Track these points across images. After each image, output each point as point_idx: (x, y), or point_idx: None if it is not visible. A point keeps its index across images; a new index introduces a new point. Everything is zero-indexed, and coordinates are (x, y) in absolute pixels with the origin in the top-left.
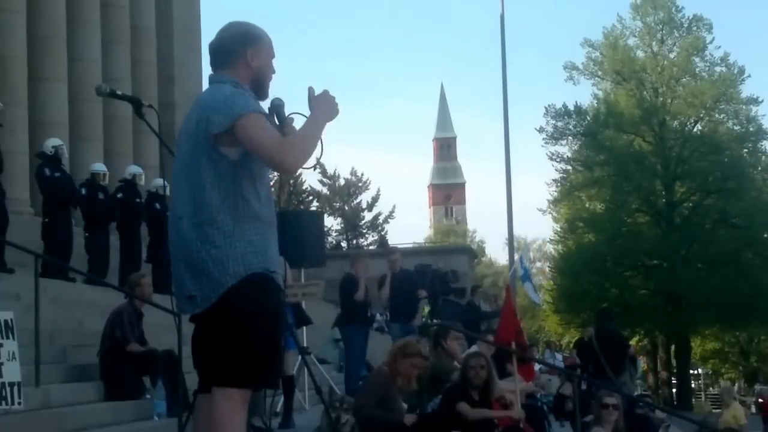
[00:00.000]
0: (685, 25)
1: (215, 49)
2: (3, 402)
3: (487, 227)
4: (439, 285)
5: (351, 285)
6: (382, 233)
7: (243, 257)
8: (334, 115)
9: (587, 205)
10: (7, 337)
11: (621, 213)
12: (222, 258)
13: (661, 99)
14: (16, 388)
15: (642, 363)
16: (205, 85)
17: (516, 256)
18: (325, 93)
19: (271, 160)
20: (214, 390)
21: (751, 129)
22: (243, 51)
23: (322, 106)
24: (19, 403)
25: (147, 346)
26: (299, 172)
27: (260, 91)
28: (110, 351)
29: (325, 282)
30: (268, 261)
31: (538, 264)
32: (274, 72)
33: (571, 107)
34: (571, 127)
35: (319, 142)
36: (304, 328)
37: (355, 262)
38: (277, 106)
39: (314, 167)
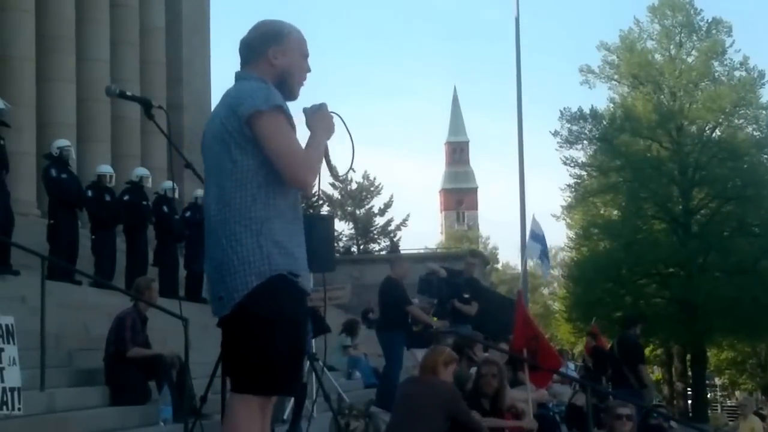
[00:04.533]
0: (704, 29)
1: (242, 46)
2: (4, 407)
3: (499, 234)
4: (446, 289)
5: (392, 288)
6: (394, 239)
7: (269, 257)
8: (331, 133)
9: (602, 212)
10: (8, 342)
11: (637, 220)
12: (248, 256)
13: (679, 103)
14: (16, 393)
15: (657, 373)
16: (215, 86)
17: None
18: (323, 111)
19: (289, 172)
20: (232, 394)
21: None
22: (265, 50)
23: (322, 124)
24: (19, 409)
25: (152, 350)
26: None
27: (286, 90)
28: (115, 356)
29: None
30: (295, 263)
31: (553, 271)
32: (308, 71)
33: (587, 111)
34: (586, 131)
35: (352, 149)
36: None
37: (395, 265)
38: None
39: (344, 177)
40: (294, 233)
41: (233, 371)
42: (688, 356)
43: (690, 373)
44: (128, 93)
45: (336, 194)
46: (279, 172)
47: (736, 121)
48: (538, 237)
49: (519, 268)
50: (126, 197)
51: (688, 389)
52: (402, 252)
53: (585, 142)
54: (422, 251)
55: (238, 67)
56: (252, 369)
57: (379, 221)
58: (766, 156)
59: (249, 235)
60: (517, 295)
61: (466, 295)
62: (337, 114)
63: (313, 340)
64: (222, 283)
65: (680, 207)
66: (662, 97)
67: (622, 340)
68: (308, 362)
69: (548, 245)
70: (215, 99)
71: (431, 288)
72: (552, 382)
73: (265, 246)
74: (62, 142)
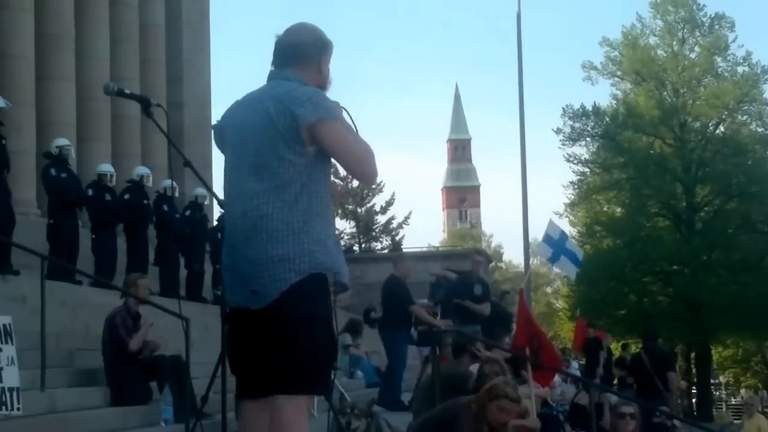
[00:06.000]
0: (707, 24)
1: (289, 49)
2: (3, 407)
3: (503, 231)
4: (459, 287)
5: (395, 287)
6: (396, 237)
7: (310, 254)
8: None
9: (605, 209)
10: (6, 342)
11: (640, 217)
12: (289, 254)
13: (682, 100)
14: (15, 393)
15: None
16: (215, 84)
17: (537, 241)
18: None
19: (359, 168)
20: (277, 396)
21: None
22: (318, 58)
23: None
24: (18, 409)
25: (150, 349)
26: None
27: None
28: (113, 356)
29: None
30: (336, 260)
31: (556, 270)
32: None
33: (590, 108)
34: (589, 128)
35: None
36: None
37: (398, 263)
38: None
39: None
40: (332, 231)
41: (272, 371)
42: (693, 354)
43: (694, 372)
44: (127, 91)
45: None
46: (355, 172)
47: (739, 117)
48: (552, 240)
49: (522, 266)
50: (127, 196)
51: (693, 388)
52: (405, 250)
53: (588, 139)
54: (425, 249)
55: (238, 65)
56: (299, 369)
57: (381, 219)
58: None
59: (290, 232)
60: (519, 294)
61: (478, 293)
62: (345, 108)
63: None
64: (258, 278)
65: (684, 204)
66: (665, 93)
67: (650, 351)
68: None
69: (563, 240)
70: (215, 96)
71: (441, 292)
72: (554, 383)
73: (307, 244)
74: (62, 141)
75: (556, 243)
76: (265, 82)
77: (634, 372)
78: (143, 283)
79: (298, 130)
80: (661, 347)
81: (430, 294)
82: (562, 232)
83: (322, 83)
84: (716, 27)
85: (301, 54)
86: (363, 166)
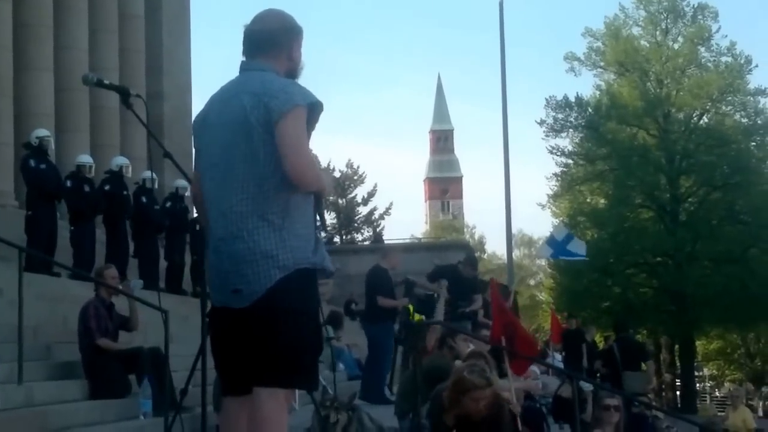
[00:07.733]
0: (690, 14)
1: (259, 36)
2: None
3: (485, 223)
4: (451, 314)
5: (378, 278)
6: (378, 229)
7: (292, 250)
8: (328, 191)
9: (589, 200)
10: None
11: (624, 208)
12: (271, 250)
13: (666, 90)
14: None
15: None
16: (196, 74)
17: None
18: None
19: (294, 168)
20: (257, 390)
21: (758, 122)
22: (289, 44)
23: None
24: None
25: (124, 343)
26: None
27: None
28: (88, 348)
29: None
30: (317, 253)
31: (539, 262)
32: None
33: (573, 99)
34: (572, 119)
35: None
36: None
37: (388, 255)
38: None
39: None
40: (312, 225)
41: (256, 365)
42: (677, 347)
43: (678, 364)
44: (106, 81)
45: None
46: (286, 165)
47: (723, 107)
48: (555, 241)
49: (505, 257)
50: (107, 187)
51: (677, 380)
52: (387, 242)
53: (571, 130)
54: (408, 241)
55: (218, 55)
56: (281, 362)
57: (363, 211)
58: (753, 143)
59: (272, 229)
60: (491, 285)
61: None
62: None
63: None
64: (241, 275)
65: (668, 195)
66: (649, 84)
67: (623, 342)
68: None
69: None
70: (195, 87)
71: (434, 311)
72: (530, 375)
73: (288, 240)
74: (41, 132)
75: (558, 244)
76: (238, 74)
77: (607, 364)
78: (110, 273)
79: (272, 123)
80: (633, 338)
81: (417, 309)
82: (568, 234)
83: (293, 69)
84: (699, 17)
85: (272, 41)
86: (303, 167)
